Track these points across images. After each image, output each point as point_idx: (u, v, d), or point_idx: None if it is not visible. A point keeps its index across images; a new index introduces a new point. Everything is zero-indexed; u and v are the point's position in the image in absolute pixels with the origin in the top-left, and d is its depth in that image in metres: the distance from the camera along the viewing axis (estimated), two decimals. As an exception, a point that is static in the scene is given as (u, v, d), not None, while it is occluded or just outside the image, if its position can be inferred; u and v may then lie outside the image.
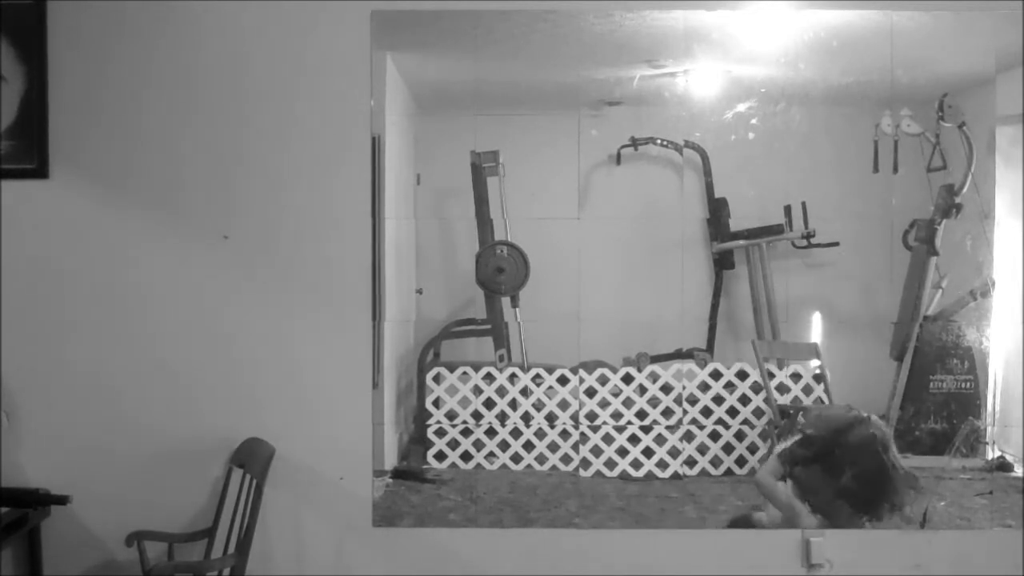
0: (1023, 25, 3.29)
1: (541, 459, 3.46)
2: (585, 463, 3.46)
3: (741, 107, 3.42)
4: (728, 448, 3.49)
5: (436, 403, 3.51)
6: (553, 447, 3.46)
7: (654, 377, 3.48)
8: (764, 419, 3.50)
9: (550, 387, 3.46)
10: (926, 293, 3.50)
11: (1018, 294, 3.39)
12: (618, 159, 3.52)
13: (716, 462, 3.46)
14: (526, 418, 3.46)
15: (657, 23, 3.36)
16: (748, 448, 3.50)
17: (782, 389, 3.52)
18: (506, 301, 3.51)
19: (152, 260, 3.30)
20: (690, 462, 3.45)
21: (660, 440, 3.46)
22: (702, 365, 3.50)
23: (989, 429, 3.42)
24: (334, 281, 3.30)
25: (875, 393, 3.56)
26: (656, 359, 3.50)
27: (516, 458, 3.47)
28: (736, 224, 3.59)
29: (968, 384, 3.47)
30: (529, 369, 3.48)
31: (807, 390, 3.53)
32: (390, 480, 3.43)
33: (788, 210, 3.52)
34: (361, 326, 3.31)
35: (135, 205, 3.30)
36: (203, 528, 3.22)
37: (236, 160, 3.29)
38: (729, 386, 3.50)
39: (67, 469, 3.26)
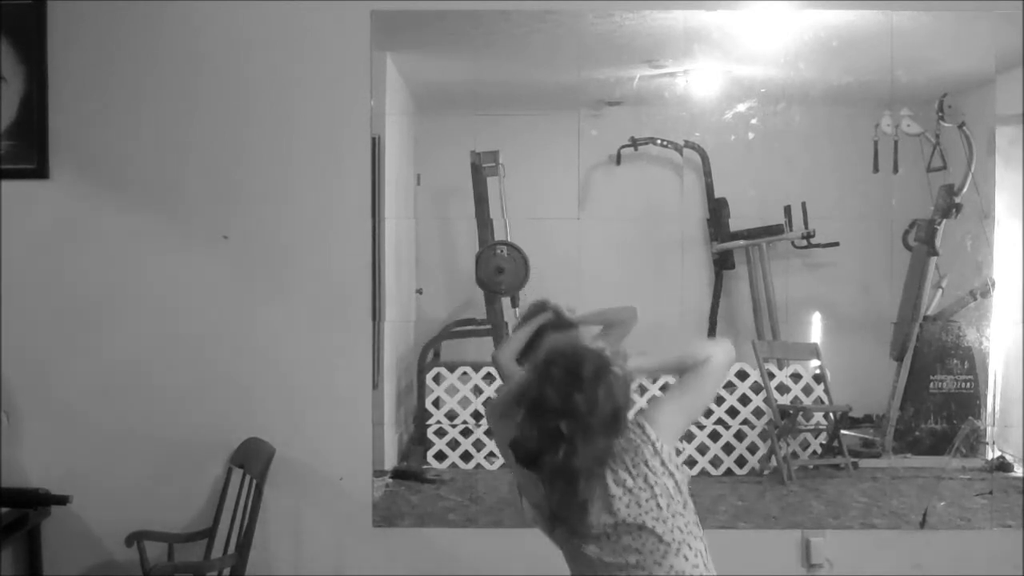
0: (1023, 25, 3.29)
1: (541, 459, 3.46)
2: (585, 463, 3.46)
3: (741, 107, 3.42)
4: (728, 448, 3.49)
5: (436, 403, 3.52)
6: (553, 447, 3.45)
7: (654, 377, 3.47)
8: (764, 419, 3.50)
9: (550, 387, 3.45)
10: (926, 293, 3.50)
11: (1018, 294, 3.39)
12: (618, 159, 3.52)
13: (716, 462, 3.47)
14: (526, 418, 3.45)
15: (657, 23, 3.36)
16: (748, 448, 3.50)
17: (782, 389, 3.52)
18: (506, 301, 3.51)
19: (152, 260, 3.29)
20: (690, 462, 3.45)
21: (660, 440, 3.46)
22: (702, 365, 3.49)
23: (989, 429, 3.42)
24: (334, 281, 3.30)
25: (875, 393, 3.57)
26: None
27: (516, 458, 3.47)
28: (736, 224, 3.60)
29: (968, 384, 3.48)
30: (529, 369, 3.48)
31: (807, 390, 3.53)
32: (390, 480, 3.43)
33: (788, 210, 3.52)
34: (361, 326, 3.31)
35: (135, 205, 3.30)
36: (203, 528, 3.21)
37: (236, 160, 3.29)
38: (729, 386, 3.50)
39: (67, 469, 3.25)
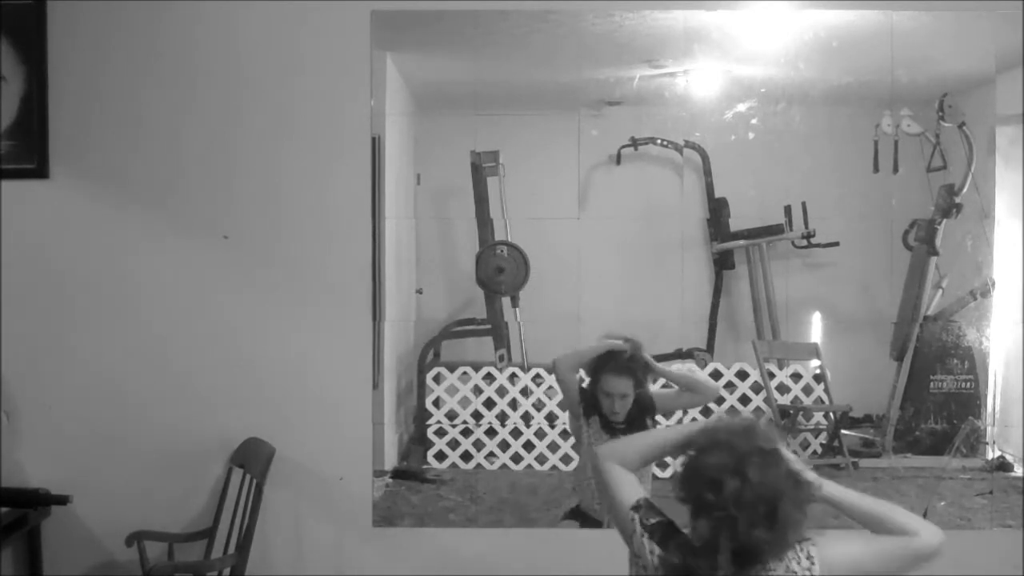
0: (1023, 25, 3.29)
1: (541, 459, 3.46)
2: (585, 463, 3.46)
3: (741, 107, 3.42)
4: (728, 448, 3.48)
5: (436, 403, 3.51)
6: (553, 447, 3.46)
7: (654, 377, 3.47)
8: (764, 419, 3.50)
9: (550, 387, 3.46)
10: (926, 293, 3.50)
11: (1018, 294, 3.39)
12: (618, 159, 3.52)
13: (716, 462, 3.46)
14: (526, 418, 3.46)
15: (657, 23, 3.36)
16: (748, 448, 3.49)
17: (782, 389, 3.52)
18: (506, 301, 3.51)
19: (152, 260, 3.30)
20: (690, 462, 3.45)
21: (660, 440, 3.46)
22: (702, 365, 3.50)
23: (989, 429, 3.42)
24: (334, 281, 3.30)
25: (875, 393, 3.56)
26: (656, 359, 3.49)
27: (516, 458, 3.47)
28: (736, 224, 3.59)
29: (968, 384, 3.47)
30: (529, 369, 3.48)
31: (807, 390, 3.53)
32: (390, 480, 3.43)
33: (788, 210, 3.52)
34: (361, 326, 3.31)
35: (135, 205, 3.30)
36: (203, 528, 3.22)
37: (236, 160, 3.29)
38: (729, 386, 3.50)
39: (67, 469, 3.26)
